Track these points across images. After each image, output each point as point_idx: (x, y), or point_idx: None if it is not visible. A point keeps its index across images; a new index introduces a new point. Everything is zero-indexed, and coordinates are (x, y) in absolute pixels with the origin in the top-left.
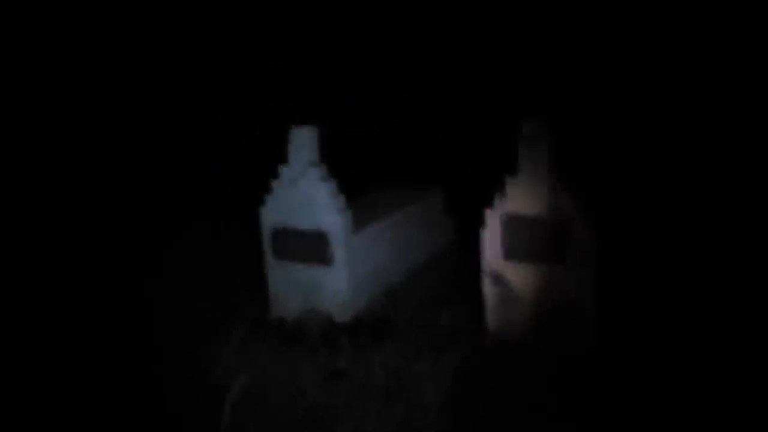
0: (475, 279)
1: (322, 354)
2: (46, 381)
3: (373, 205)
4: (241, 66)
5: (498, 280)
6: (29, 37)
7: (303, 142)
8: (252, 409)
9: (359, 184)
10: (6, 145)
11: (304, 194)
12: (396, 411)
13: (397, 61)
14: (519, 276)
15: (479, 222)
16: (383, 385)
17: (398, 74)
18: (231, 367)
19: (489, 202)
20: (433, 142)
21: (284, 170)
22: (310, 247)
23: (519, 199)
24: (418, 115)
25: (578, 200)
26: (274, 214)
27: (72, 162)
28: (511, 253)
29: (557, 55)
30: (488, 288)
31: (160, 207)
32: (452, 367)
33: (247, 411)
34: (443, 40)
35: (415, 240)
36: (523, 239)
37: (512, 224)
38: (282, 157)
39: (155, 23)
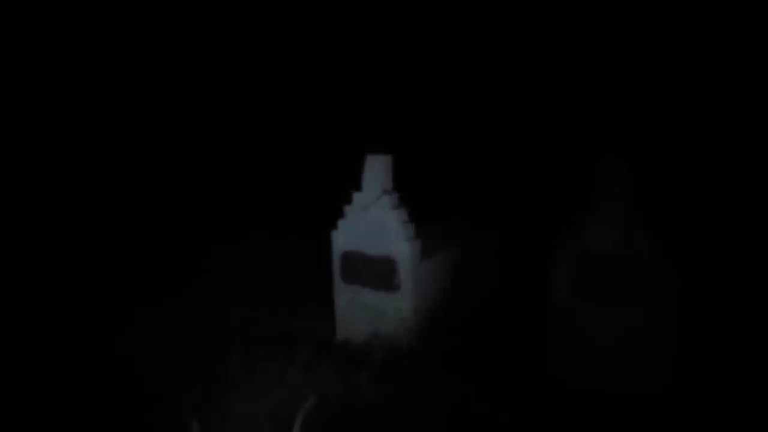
0: (544, 315)
1: (385, 379)
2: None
3: (443, 235)
4: (328, 96)
5: (567, 318)
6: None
7: (377, 169)
8: (315, 429)
9: (431, 212)
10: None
11: (375, 221)
12: None
13: (474, 95)
14: (589, 315)
15: (550, 257)
16: (446, 414)
17: (473, 107)
18: (295, 386)
19: (561, 238)
20: (505, 175)
21: (357, 196)
22: (378, 272)
23: (594, 235)
24: (492, 148)
25: (658, 239)
26: (345, 238)
27: (162, 184)
28: (582, 290)
29: (638, 90)
30: (556, 326)
31: (238, 224)
32: (515, 405)
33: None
34: (521, 74)
35: (483, 271)
36: (595, 277)
37: (585, 261)
38: (356, 184)
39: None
